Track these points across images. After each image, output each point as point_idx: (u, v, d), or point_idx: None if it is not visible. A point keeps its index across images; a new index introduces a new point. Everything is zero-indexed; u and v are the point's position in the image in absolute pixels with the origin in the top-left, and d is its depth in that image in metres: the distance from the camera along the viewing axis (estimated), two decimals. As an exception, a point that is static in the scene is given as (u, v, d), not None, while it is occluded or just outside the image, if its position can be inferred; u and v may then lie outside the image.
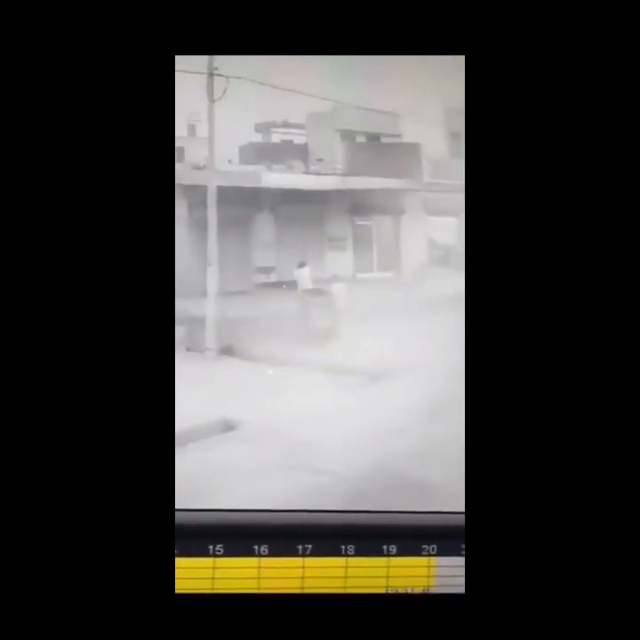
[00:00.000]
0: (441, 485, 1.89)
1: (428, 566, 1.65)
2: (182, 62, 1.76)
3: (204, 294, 2.14)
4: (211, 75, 2.07)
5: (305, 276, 2.04)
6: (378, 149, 2.28)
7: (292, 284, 2.20)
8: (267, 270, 2.21)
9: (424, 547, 1.64)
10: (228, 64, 2.09)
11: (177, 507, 1.16)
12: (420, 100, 2.25)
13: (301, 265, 2.03)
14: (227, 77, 2.07)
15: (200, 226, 2.12)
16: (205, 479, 1.87)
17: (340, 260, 2.27)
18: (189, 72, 2.01)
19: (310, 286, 2.09)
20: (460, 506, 1.55)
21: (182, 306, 1.96)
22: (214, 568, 1.56)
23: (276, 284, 2.21)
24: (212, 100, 2.09)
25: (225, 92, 2.08)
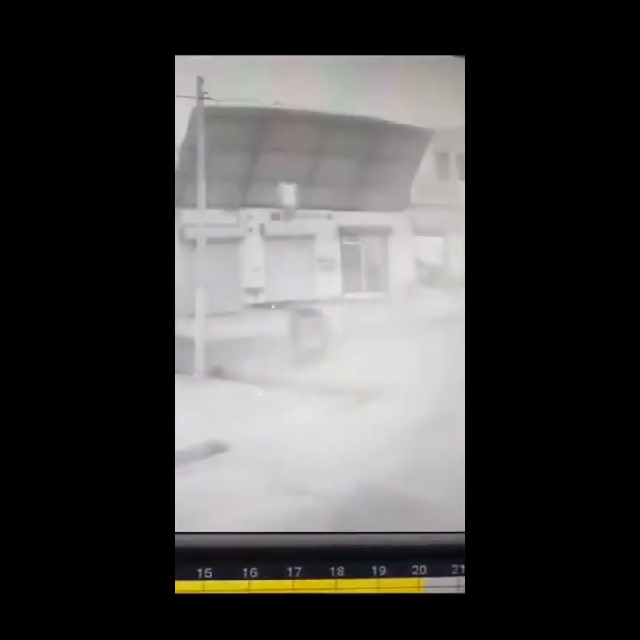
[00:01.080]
0: (431, 505, 1.89)
1: (418, 587, 1.64)
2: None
3: (192, 315, 2.14)
4: (200, 99, 2.10)
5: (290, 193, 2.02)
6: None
7: (281, 305, 2.21)
8: (255, 291, 2.21)
9: (414, 567, 1.64)
10: (218, 88, 2.11)
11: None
12: (406, 121, 2.29)
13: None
14: (216, 101, 2.10)
15: (189, 247, 2.13)
16: (194, 502, 1.85)
17: (329, 281, 2.28)
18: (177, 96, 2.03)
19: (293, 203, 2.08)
20: (450, 525, 1.55)
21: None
22: (204, 592, 1.54)
23: (265, 305, 2.22)
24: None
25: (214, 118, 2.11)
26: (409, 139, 2.21)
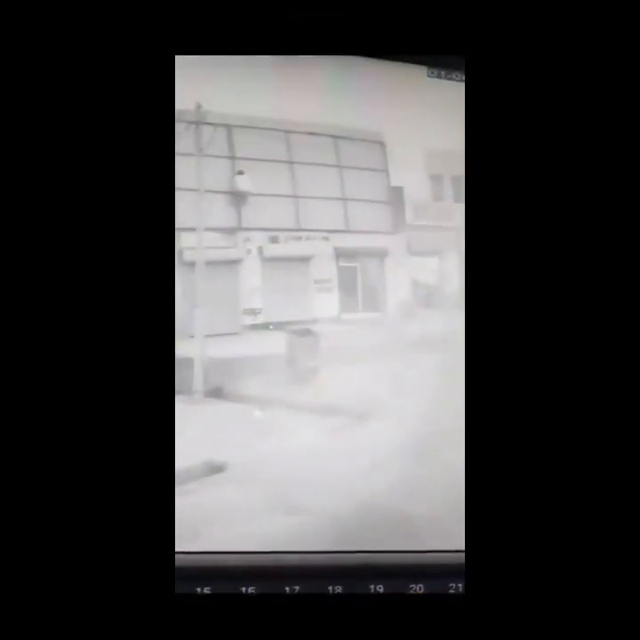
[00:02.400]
0: (429, 524, 1.89)
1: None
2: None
3: (191, 336, 2.16)
4: (198, 125, 2.14)
5: (245, 181, 2.04)
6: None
7: (279, 325, 2.23)
8: (254, 312, 2.24)
9: (411, 586, 1.64)
10: (215, 112, 2.15)
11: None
12: (402, 144, 2.34)
13: (240, 173, 2.04)
14: (214, 126, 2.13)
15: (188, 269, 2.15)
16: (192, 521, 1.86)
17: (326, 302, 2.30)
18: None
19: (250, 189, 2.11)
20: (448, 544, 1.56)
21: (170, 348, 1.97)
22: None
23: (263, 326, 2.24)
24: (199, 149, 2.15)
25: (212, 140, 2.15)
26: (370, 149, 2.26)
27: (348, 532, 1.89)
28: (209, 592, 1.56)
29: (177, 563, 1.24)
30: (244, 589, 1.59)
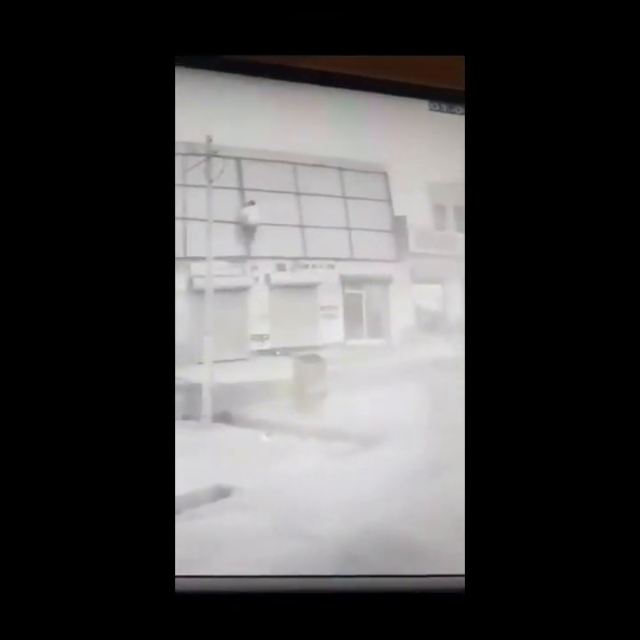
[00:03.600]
0: (436, 549, 1.90)
1: (421, 627, 1.65)
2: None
3: (200, 362, 2.19)
4: (208, 157, 2.20)
5: (253, 212, 2.09)
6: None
7: (286, 351, 2.27)
8: (261, 338, 2.28)
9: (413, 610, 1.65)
10: (225, 145, 2.22)
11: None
12: (405, 175, 2.39)
13: (251, 203, 2.09)
14: (223, 158, 2.20)
15: (198, 296, 2.20)
16: (200, 546, 1.88)
17: (332, 328, 2.34)
18: (183, 154, 2.14)
19: (258, 220, 2.16)
20: (456, 568, 1.57)
21: (180, 374, 2.02)
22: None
23: (270, 351, 2.28)
24: (209, 180, 2.21)
25: (222, 172, 2.21)
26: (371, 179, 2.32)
27: (356, 556, 1.90)
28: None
29: (183, 587, 1.24)
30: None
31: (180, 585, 1.28)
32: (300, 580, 1.74)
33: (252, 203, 2.18)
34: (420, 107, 2.30)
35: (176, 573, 1.19)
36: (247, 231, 2.25)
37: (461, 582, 1.21)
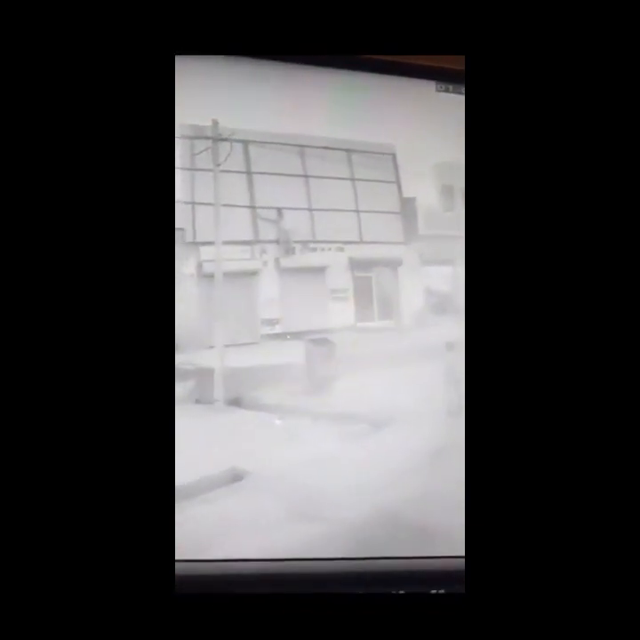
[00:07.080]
0: (448, 530, 1.91)
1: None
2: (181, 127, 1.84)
3: (212, 347, 2.20)
4: (215, 140, 2.19)
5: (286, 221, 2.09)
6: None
7: (297, 335, 2.27)
8: (272, 322, 2.28)
9: (432, 592, 1.66)
10: (231, 128, 2.20)
11: (184, 557, 1.17)
12: (412, 156, 2.37)
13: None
14: (230, 141, 2.19)
15: (208, 281, 2.20)
16: (214, 529, 1.90)
17: (342, 311, 2.34)
18: (187, 137, 2.14)
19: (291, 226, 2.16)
20: (461, 551, 1.57)
21: (191, 359, 2.03)
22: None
23: (281, 335, 2.28)
24: (216, 164, 2.21)
25: (229, 156, 2.20)
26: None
27: (369, 538, 1.91)
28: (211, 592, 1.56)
29: (195, 571, 1.25)
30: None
31: (189, 569, 1.29)
32: (313, 562, 1.75)
33: (280, 214, 2.17)
34: (428, 88, 2.27)
35: (188, 557, 1.20)
36: (255, 215, 2.24)
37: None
